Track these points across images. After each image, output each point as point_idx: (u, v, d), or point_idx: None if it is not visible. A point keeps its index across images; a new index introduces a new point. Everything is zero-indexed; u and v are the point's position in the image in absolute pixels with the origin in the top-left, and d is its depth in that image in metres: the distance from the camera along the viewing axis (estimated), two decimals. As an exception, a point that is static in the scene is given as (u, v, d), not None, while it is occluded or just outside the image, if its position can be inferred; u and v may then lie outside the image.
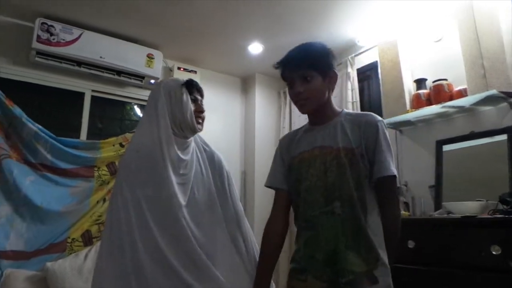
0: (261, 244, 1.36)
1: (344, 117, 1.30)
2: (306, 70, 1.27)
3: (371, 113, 1.31)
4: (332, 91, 1.34)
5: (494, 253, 1.66)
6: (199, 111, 1.45)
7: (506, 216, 1.71)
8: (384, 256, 1.16)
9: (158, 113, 1.37)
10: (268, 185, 1.42)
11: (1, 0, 2.73)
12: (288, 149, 1.38)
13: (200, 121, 1.45)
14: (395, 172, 1.20)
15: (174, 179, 1.31)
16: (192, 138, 1.46)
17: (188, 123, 1.39)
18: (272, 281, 1.36)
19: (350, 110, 1.39)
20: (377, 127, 1.24)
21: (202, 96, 1.50)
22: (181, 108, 1.39)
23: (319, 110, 1.32)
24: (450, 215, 2.01)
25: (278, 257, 1.37)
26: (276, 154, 1.44)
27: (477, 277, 1.72)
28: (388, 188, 1.24)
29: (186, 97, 1.41)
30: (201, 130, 1.46)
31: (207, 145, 1.56)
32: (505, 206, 1.77)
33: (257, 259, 1.36)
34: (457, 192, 2.27)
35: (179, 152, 1.37)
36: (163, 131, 1.35)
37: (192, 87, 1.45)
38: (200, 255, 1.23)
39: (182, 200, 1.30)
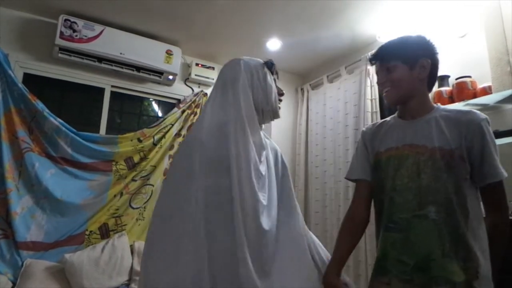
0: (341, 229, 1.33)
1: (439, 113, 1.21)
2: (389, 60, 1.24)
3: (473, 110, 1.20)
4: (430, 84, 1.27)
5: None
6: (280, 94, 1.34)
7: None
8: (486, 266, 1.09)
9: (239, 92, 1.21)
10: (348, 177, 1.38)
11: (26, -2, 2.81)
12: (372, 142, 1.32)
13: (279, 105, 1.33)
14: (506, 174, 1.13)
15: (253, 172, 1.14)
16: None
17: (272, 107, 1.27)
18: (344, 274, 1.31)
19: (446, 106, 1.28)
20: (481, 127, 1.14)
21: (278, 78, 1.38)
22: (265, 90, 1.26)
23: (408, 103, 1.25)
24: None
25: (356, 245, 1.34)
26: (359, 145, 1.38)
27: None
28: (499, 193, 1.15)
29: (270, 77, 1.30)
30: (279, 117, 1.34)
31: (268, 137, 1.41)
32: (529, 208, 1.69)
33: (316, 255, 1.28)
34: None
35: (260, 137, 1.23)
36: (246, 112, 1.18)
37: (273, 66, 1.33)
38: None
39: (262, 198, 1.15)
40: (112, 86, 3.33)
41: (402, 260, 1.14)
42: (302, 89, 3.98)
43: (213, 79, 3.64)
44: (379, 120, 1.41)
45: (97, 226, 2.81)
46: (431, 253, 1.10)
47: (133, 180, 3.03)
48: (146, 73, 3.29)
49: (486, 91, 2.30)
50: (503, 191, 1.15)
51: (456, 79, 2.48)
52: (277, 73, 1.37)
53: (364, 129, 1.42)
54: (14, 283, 2.35)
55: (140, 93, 3.51)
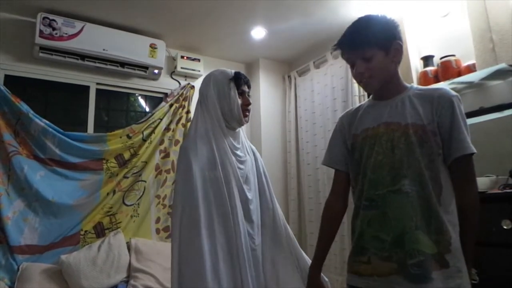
0: (322, 222, 1.37)
1: (412, 92, 1.22)
2: (365, 49, 1.19)
3: (444, 87, 1.20)
4: (399, 63, 1.25)
5: (505, 227, 1.64)
6: (246, 104, 1.55)
7: (517, 191, 1.69)
8: (457, 240, 1.09)
9: (209, 106, 1.51)
10: (325, 164, 1.39)
11: (1, -3, 2.74)
12: (350, 126, 1.32)
13: (247, 113, 1.57)
14: (474, 149, 1.12)
15: (236, 165, 1.48)
16: (240, 129, 1.60)
17: (235, 117, 1.51)
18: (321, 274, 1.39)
19: (418, 86, 1.29)
20: (452, 102, 1.14)
21: (249, 87, 1.60)
22: (229, 103, 1.50)
23: (384, 85, 1.24)
24: (460, 192, 1.98)
25: (335, 236, 1.40)
26: (336, 132, 1.38)
27: (489, 252, 1.70)
28: (468, 167, 1.15)
29: (234, 92, 1.52)
30: (247, 122, 1.58)
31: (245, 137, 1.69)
32: (516, 181, 1.74)
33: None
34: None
35: (232, 140, 1.53)
36: (216, 122, 1.49)
37: (239, 80, 1.54)
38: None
39: (248, 192, 1.49)
40: (97, 84, 3.28)
41: (379, 237, 1.14)
42: (289, 76, 3.98)
43: (199, 71, 3.61)
44: (355, 105, 1.41)
45: (91, 226, 2.80)
46: (405, 226, 1.10)
47: (124, 177, 3.02)
48: (131, 69, 3.25)
49: (471, 68, 2.32)
50: (471, 166, 1.15)
51: (441, 58, 2.50)
52: (247, 83, 1.58)
53: (341, 116, 1.42)
54: (11, 288, 2.34)
55: (126, 89, 3.47)
